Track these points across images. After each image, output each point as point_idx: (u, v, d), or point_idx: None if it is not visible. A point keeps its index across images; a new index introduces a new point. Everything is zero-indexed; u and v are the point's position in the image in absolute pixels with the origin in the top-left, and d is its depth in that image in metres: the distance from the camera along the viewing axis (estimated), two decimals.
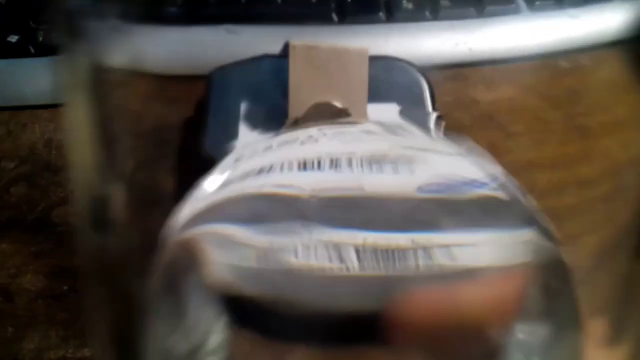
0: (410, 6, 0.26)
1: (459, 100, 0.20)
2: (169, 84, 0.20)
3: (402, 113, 0.22)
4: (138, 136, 0.16)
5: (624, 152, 0.14)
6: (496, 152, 0.17)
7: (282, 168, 0.16)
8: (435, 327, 0.14)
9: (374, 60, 0.22)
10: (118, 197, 0.14)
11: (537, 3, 0.17)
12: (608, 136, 0.14)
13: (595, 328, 0.14)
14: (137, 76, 0.17)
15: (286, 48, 0.21)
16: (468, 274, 0.14)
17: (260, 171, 0.16)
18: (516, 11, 0.18)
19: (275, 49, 0.23)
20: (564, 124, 0.16)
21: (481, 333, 0.14)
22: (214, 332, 0.14)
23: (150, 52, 0.20)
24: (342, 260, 0.14)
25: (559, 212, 0.15)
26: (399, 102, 0.22)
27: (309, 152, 0.17)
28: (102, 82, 0.14)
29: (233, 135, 0.22)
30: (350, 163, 0.16)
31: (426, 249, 0.14)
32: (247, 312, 0.14)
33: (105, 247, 0.14)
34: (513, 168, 0.16)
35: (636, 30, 0.13)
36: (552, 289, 0.15)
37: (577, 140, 0.16)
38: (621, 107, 0.14)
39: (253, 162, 0.17)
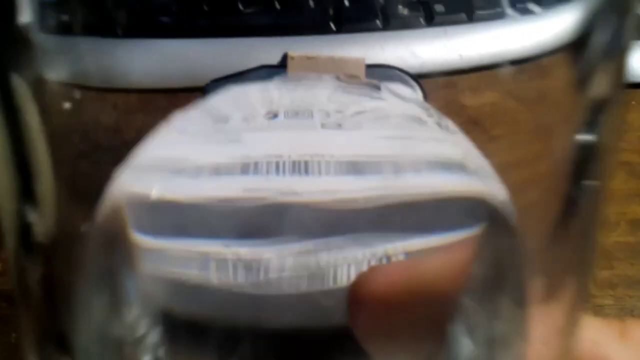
0: (405, 12, 0.26)
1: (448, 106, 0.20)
2: (157, 96, 0.20)
3: None
4: (114, 149, 0.16)
5: None
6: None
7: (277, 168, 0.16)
8: (394, 300, 0.14)
9: (370, 68, 0.22)
10: (44, 222, 0.14)
11: (519, 6, 0.17)
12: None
13: (534, 287, 0.14)
14: (112, 90, 0.17)
15: (284, 59, 0.21)
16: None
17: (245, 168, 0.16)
18: (501, 16, 0.18)
19: (272, 59, 0.23)
20: (534, 124, 0.16)
21: (436, 301, 0.15)
22: (149, 325, 0.15)
23: (140, 65, 0.20)
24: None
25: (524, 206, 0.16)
26: None
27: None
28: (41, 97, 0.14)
29: None
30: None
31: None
32: (177, 325, 0.14)
33: (31, 270, 0.14)
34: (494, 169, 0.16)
35: (581, 33, 0.13)
36: (500, 252, 0.15)
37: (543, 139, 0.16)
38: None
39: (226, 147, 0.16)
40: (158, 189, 0.16)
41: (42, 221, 0.14)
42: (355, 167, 0.16)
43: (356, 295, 0.15)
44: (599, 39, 0.13)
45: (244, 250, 0.15)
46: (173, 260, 0.15)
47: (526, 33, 0.16)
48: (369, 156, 0.16)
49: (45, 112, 0.14)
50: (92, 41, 0.16)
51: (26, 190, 0.14)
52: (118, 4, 0.16)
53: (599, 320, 0.17)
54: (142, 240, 0.16)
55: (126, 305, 0.15)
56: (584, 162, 0.14)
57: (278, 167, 0.16)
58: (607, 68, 0.13)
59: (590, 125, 0.14)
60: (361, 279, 0.15)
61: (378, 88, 0.17)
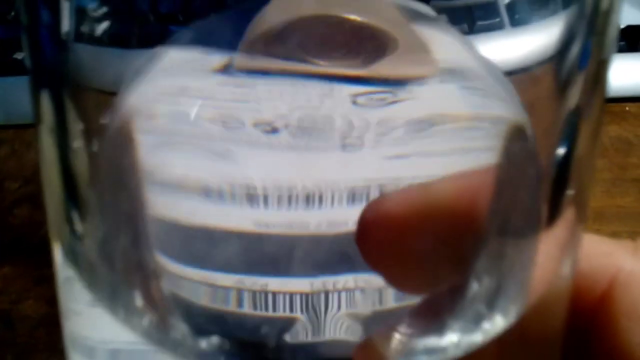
0: None
1: None
2: None
3: None
4: None
5: None
6: None
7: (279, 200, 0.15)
8: (406, 223, 0.14)
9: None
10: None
11: (517, 17, 0.17)
12: None
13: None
14: None
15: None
16: None
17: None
18: (501, 26, 0.18)
19: None
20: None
21: (456, 229, 0.14)
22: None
23: None
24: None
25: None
26: None
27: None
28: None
29: None
30: None
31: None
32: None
33: None
34: None
35: (562, 44, 0.13)
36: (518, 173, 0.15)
37: None
38: None
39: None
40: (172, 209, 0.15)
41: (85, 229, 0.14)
42: (365, 195, 0.15)
43: (367, 215, 0.14)
44: (574, 51, 0.13)
45: (259, 284, 0.14)
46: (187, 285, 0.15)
47: (523, 43, 0.15)
48: (376, 180, 0.15)
49: (86, 121, 0.14)
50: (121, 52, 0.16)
51: (74, 198, 0.14)
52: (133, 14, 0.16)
53: (609, 238, 0.17)
54: (162, 260, 0.15)
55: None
56: (562, 172, 0.14)
57: (290, 201, 0.15)
58: (581, 80, 0.13)
59: (565, 136, 0.13)
60: (372, 201, 0.14)
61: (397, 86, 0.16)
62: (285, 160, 0.16)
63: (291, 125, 0.15)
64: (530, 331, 0.14)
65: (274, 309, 0.15)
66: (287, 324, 0.15)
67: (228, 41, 0.16)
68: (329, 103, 0.16)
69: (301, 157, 0.16)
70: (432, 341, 0.14)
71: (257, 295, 0.15)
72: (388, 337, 0.14)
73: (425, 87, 0.16)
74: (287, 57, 0.16)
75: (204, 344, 0.14)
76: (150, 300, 0.15)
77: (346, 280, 0.15)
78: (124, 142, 0.15)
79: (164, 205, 0.15)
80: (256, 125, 0.15)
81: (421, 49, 0.17)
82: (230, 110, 0.15)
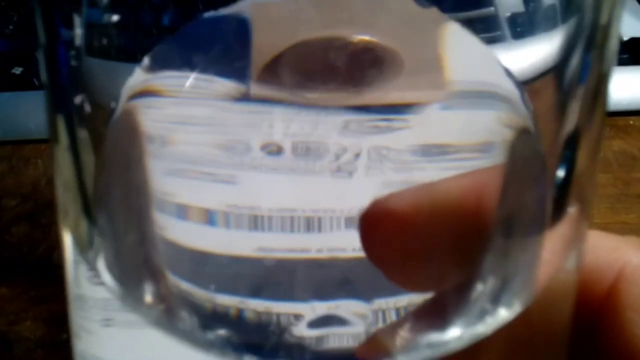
0: None
1: None
2: None
3: None
4: None
5: None
6: None
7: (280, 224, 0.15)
8: (410, 221, 0.14)
9: None
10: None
11: (518, 30, 0.17)
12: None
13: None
14: None
15: None
16: None
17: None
18: (502, 39, 0.17)
19: None
20: None
21: (462, 227, 0.14)
22: None
23: None
24: None
25: None
26: None
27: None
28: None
29: None
30: None
31: None
32: None
33: None
34: None
35: (561, 57, 0.13)
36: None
37: None
38: None
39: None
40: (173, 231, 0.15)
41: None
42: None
43: (371, 213, 0.14)
44: (574, 64, 0.13)
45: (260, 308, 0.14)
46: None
47: (525, 56, 0.15)
48: None
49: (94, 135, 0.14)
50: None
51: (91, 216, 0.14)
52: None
53: (615, 235, 0.17)
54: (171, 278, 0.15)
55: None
56: (563, 187, 0.14)
57: (292, 225, 0.15)
58: (582, 94, 0.13)
59: (566, 150, 0.13)
60: (374, 203, 0.14)
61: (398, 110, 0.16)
62: (287, 183, 0.15)
63: (295, 146, 0.15)
64: (537, 326, 0.14)
65: (277, 322, 0.14)
66: (292, 320, 0.14)
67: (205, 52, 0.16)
68: (321, 130, 0.15)
69: (300, 180, 0.15)
70: (435, 336, 0.14)
71: (261, 315, 0.14)
72: (392, 334, 0.14)
73: (427, 113, 0.16)
74: (292, 85, 0.16)
75: (212, 335, 0.14)
76: (158, 295, 0.14)
77: (348, 305, 0.14)
78: (129, 133, 0.15)
79: (169, 228, 0.15)
80: (263, 147, 0.15)
81: (429, 70, 0.16)
82: (239, 135, 0.15)
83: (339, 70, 0.16)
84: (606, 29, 0.13)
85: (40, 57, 0.13)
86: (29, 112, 0.38)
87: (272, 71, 0.15)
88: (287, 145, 0.15)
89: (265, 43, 0.16)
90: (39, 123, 0.38)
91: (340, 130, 0.15)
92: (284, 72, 0.16)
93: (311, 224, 0.15)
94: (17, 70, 0.40)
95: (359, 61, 0.16)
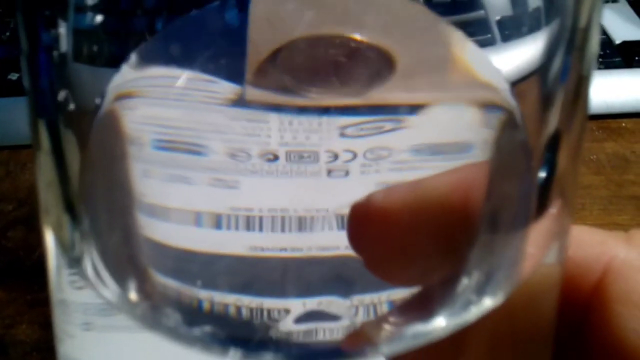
0: None
1: None
2: None
3: None
4: None
5: None
6: None
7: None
8: (398, 218, 0.14)
9: None
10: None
11: (507, 33, 0.17)
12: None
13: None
14: None
15: None
16: None
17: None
18: (492, 42, 0.18)
19: None
20: None
21: (449, 222, 0.14)
22: None
23: None
24: None
25: None
26: None
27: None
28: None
29: None
30: None
31: None
32: None
33: None
34: None
35: (544, 59, 0.13)
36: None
37: None
38: None
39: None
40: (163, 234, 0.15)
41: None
42: None
43: (358, 208, 0.14)
44: (557, 66, 0.13)
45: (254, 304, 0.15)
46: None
47: (514, 58, 0.15)
48: None
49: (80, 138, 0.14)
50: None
51: (75, 220, 0.14)
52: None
53: (601, 229, 0.17)
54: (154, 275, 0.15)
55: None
56: (543, 190, 0.14)
57: (284, 224, 0.15)
58: (562, 95, 0.13)
59: (547, 152, 0.14)
60: (362, 198, 0.14)
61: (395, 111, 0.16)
62: (280, 185, 0.16)
63: (288, 154, 0.15)
64: (521, 321, 0.14)
65: (269, 317, 0.15)
66: (278, 316, 0.15)
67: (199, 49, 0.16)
68: (316, 137, 0.16)
69: (293, 182, 0.16)
70: (419, 327, 0.14)
71: (254, 311, 0.15)
72: (377, 326, 0.14)
73: (419, 115, 0.16)
74: (278, 87, 0.16)
75: (197, 331, 0.14)
76: (143, 292, 0.15)
77: (334, 300, 0.15)
78: (114, 134, 0.15)
79: (162, 230, 0.15)
80: (262, 155, 0.15)
81: (422, 71, 0.17)
82: (240, 143, 0.16)
83: (332, 68, 0.16)
84: (585, 32, 0.13)
85: (23, 63, 0.14)
86: (25, 117, 0.38)
87: (266, 70, 0.16)
88: (281, 153, 0.15)
89: (261, 41, 0.16)
90: None
91: (336, 136, 0.15)
92: (278, 71, 0.16)
93: (303, 223, 0.15)
94: (14, 77, 0.40)
95: (353, 60, 0.16)
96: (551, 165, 0.14)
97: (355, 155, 0.15)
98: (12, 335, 0.29)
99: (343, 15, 0.16)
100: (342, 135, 0.15)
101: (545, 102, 0.14)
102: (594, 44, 0.13)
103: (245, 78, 0.15)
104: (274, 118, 0.15)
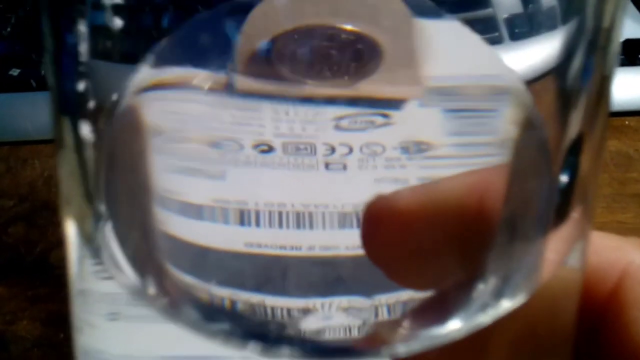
0: None
1: None
2: None
3: None
4: None
5: None
6: None
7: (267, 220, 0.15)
8: (412, 220, 0.14)
9: None
10: None
11: (516, 31, 0.17)
12: None
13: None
14: None
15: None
16: None
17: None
18: (500, 41, 0.17)
19: None
20: None
21: (465, 227, 0.14)
22: None
23: None
24: None
25: None
26: None
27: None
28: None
29: None
30: None
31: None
32: None
33: None
34: None
35: (562, 59, 0.13)
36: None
37: None
38: None
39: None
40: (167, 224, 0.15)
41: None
42: (355, 219, 0.15)
43: (373, 210, 0.14)
44: (575, 67, 0.13)
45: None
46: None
47: (523, 58, 0.15)
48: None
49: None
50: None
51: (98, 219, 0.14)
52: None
53: (617, 235, 0.17)
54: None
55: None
56: (566, 192, 0.14)
57: (281, 219, 0.15)
58: (585, 96, 0.13)
59: (569, 153, 0.13)
60: (376, 200, 0.14)
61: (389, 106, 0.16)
62: (276, 178, 0.15)
63: (285, 146, 0.15)
64: (541, 326, 0.14)
65: (273, 316, 0.14)
66: (293, 314, 0.15)
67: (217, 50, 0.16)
68: (312, 128, 0.15)
69: (290, 176, 0.15)
70: (435, 330, 0.14)
71: (256, 307, 0.14)
72: (392, 328, 0.14)
73: (405, 110, 0.16)
74: (273, 76, 0.16)
75: (215, 327, 0.14)
76: (162, 288, 0.14)
77: (340, 301, 0.14)
78: (133, 128, 0.15)
79: (159, 219, 0.15)
80: (255, 146, 0.15)
81: (407, 65, 0.16)
82: (230, 132, 0.15)
83: (325, 58, 0.16)
84: (609, 32, 0.13)
85: (47, 60, 0.14)
86: (26, 113, 0.38)
87: (259, 60, 0.16)
88: (277, 145, 0.15)
89: (253, 33, 0.16)
90: (36, 124, 0.38)
91: (331, 128, 0.15)
92: (271, 61, 0.16)
93: (302, 220, 0.15)
94: (15, 72, 0.40)
95: (345, 50, 0.16)
96: (574, 170, 0.13)
97: (351, 150, 0.15)
98: (13, 332, 0.29)
99: (333, 7, 0.16)
100: (337, 127, 0.15)
101: (565, 103, 0.14)
102: (617, 44, 0.13)
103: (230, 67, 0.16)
104: (266, 107, 0.15)
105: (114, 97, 0.15)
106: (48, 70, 0.14)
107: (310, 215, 0.15)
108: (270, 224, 0.15)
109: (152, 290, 0.14)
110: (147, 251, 0.15)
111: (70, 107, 0.14)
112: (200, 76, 0.15)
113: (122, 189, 0.15)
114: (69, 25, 0.13)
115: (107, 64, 0.15)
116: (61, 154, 0.14)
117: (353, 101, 0.16)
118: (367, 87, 0.16)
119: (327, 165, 0.15)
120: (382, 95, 0.16)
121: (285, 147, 0.15)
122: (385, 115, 0.15)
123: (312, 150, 0.15)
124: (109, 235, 0.14)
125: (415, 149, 0.15)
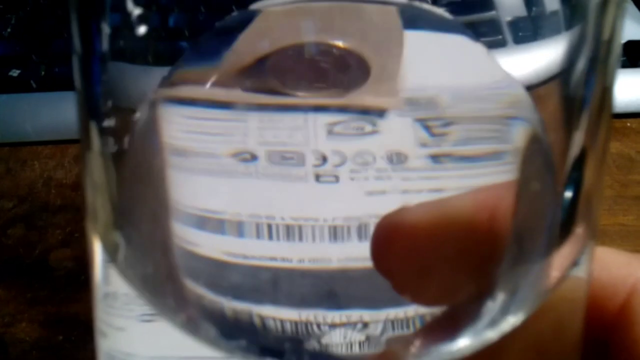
0: None
1: None
2: None
3: None
4: None
5: None
6: None
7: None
8: (423, 237, 0.14)
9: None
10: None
11: (520, 34, 0.17)
12: None
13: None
14: None
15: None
16: None
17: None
18: (503, 44, 0.17)
19: None
20: None
21: (475, 242, 0.14)
22: None
23: None
24: None
25: None
26: None
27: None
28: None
29: None
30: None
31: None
32: None
33: None
34: None
35: (565, 65, 0.13)
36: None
37: None
38: None
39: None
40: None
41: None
42: (347, 232, 0.15)
43: (383, 227, 0.14)
44: (578, 74, 0.13)
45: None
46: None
47: (526, 61, 0.15)
48: (357, 217, 0.15)
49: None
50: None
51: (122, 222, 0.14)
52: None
53: (626, 252, 0.17)
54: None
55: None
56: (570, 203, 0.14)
57: (271, 231, 0.14)
58: (586, 118, 0.13)
59: (572, 165, 0.13)
60: (387, 216, 0.14)
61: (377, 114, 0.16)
62: (262, 189, 0.15)
63: (269, 153, 0.15)
64: (548, 342, 0.14)
65: (306, 331, 0.14)
66: (307, 330, 0.14)
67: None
68: (300, 136, 0.15)
69: (277, 186, 0.15)
70: (445, 346, 0.14)
71: (253, 317, 0.14)
72: (404, 344, 0.14)
73: (386, 120, 0.16)
74: (264, 89, 0.16)
75: (233, 344, 0.14)
76: (181, 304, 0.14)
77: (333, 316, 0.14)
78: (151, 140, 0.15)
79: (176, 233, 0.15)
80: (235, 155, 0.15)
81: (388, 78, 0.16)
82: (213, 143, 0.15)
83: (317, 73, 0.16)
84: (609, 44, 0.13)
85: (75, 63, 0.14)
86: (26, 114, 0.38)
87: (250, 75, 0.16)
88: (261, 153, 0.15)
89: (245, 49, 0.16)
90: (36, 125, 0.37)
91: (323, 134, 0.15)
92: (265, 74, 0.16)
93: (291, 232, 0.15)
94: (15, 73, 0.40)
95: (334, 65, 0.16)
96: (577, 184, 0.13)
97: (344, 159, 0.15)
98: (12, 334, 0.28)
99: (323, 23, 0.16)
100: (330, 133, 0.15)
101: (568, 109, 0.14)
102: (616, 54, 0.13)
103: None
104: (252, 117, 0.15)
105: (134, 107, 0.15)
106: (76, 73, 0.14)
107: (300, 227, 0.15)
108: (259, 236, 0.15)
109: (171, 304, 0.14)
110: (166, 265, 0.15)
111: (97, 111, 0.14)
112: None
113: (138, 204, 0.15)
114: (98, 31, 0.13)
115: (131, 67, 0.15)
116: (87, 157, 0.14)
117: (342, 109, 0.16)
118: (354, 98, 0.16)
119: (317, 177, 0.15)
120: (367, 105, 0.16)
121: (270, 155, 0.15)
122: (373, 124, 0.15)
123: (301, 160, 0.15)
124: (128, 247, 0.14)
125: (396, 159, 0.15)
